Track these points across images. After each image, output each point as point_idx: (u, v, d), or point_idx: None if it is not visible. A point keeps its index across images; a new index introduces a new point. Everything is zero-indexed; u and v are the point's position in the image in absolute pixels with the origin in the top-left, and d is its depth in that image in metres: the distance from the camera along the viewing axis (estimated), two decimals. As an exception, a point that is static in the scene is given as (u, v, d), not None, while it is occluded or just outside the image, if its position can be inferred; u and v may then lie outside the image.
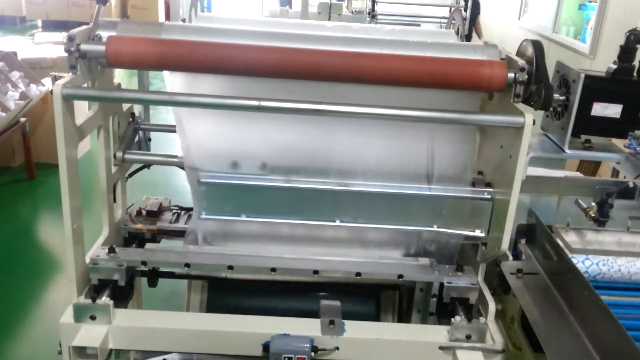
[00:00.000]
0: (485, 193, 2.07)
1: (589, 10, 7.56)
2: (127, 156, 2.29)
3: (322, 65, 1.91)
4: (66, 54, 1.84)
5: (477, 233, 2.10)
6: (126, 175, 2.44)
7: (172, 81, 2.06)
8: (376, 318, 2.48)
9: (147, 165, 2.42)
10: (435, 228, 2.12)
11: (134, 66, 1.97)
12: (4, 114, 5.35)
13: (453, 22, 4.05)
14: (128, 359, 2.57)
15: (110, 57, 1.87)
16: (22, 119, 5.85)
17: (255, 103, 1.83)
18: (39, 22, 14.50)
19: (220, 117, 2.09)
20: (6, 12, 14.36)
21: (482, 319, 2.00)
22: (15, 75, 6.03)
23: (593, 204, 2.06)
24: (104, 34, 1.94)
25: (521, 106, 1.89)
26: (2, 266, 4.64)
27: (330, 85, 1.97)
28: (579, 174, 2.79)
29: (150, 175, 2.89)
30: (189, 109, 2.06)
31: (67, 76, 1.85)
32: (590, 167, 3.84)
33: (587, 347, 1.64)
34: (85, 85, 1.94)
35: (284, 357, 1.88)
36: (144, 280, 2.40)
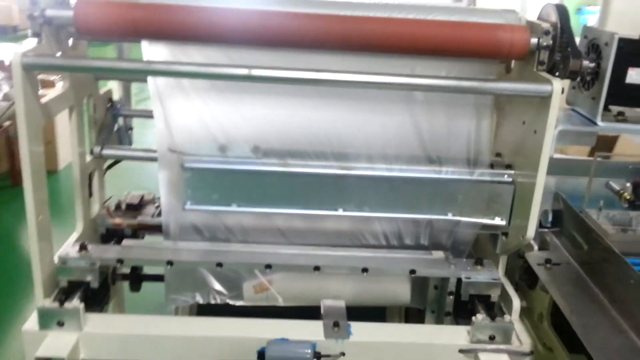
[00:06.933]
0: (506, 176, 1.88)
1: (585, 15, 7.43)
2: (105, 152, 2.12)
3: (322, 31, 1.70)
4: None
5: (497, 221, 1.90)
6: (104, 168, 2.21)
7: (151, 53, 1.82)
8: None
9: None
10: (449, 216, 1.91)
11: (106, 34, 1.74)
12: (-15, 117, 5.12)
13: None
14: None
15: (79, 23, 1.68)
16: (7, 123, 5.61)
17: (244, 71, 1.62)
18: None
19: (206, 94, 1.86)
20: (-1, 21, 14.26)
21: (506, 317, 1.79)
22: (-1, 75, 5.81)
23: (628, 184, 1.85)
24: (73, -2, 1.72)
25: (546, 75, 1.69)
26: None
27: (331, 56, 1.76)
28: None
29: (132, 165, 2.60)
30: (170, 84, 1.84)
31: (30, 45, 1.63)
32: (605, 146, 3.59)
33: (637, 344, 1.41)
34: (53, 57, 1.72)
35: (283, 365, 1.66)
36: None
